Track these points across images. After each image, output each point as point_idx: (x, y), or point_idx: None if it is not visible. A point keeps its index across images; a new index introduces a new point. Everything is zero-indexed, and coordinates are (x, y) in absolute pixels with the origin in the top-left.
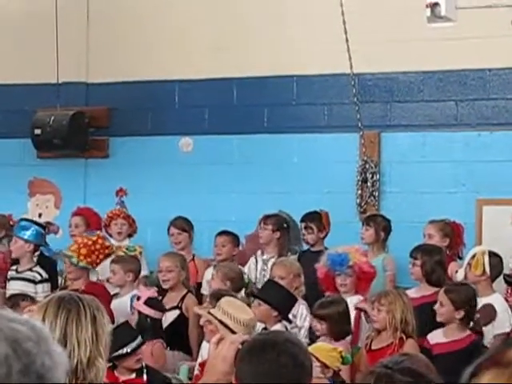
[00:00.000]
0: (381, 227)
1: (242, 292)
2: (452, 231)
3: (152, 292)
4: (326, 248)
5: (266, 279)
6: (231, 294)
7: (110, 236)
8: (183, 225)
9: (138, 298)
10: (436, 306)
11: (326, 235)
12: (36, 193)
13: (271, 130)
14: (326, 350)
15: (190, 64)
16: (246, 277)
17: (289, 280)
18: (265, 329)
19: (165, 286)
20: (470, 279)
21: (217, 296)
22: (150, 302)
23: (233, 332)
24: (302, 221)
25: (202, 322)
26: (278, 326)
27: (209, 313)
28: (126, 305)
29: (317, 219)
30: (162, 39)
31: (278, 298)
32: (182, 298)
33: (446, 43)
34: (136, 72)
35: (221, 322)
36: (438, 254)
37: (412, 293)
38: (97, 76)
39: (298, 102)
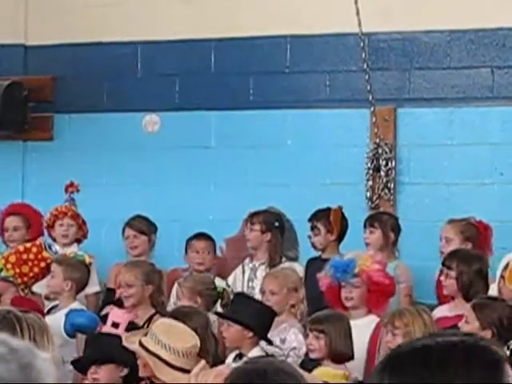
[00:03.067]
0: (388, 227)
1: (218, 306)
2: (476, 234)
3: (131, 315)
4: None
5: (255, 291)
6: (196, 311)
7: (54, 240)
8: (141, 226)
9: (115, 325)
10: (460, 323)
11: (339, 238)
12: None
13: (258, 104)
14: (330, 376)
15: (155, 21)
16: (219, 285)
17: (282, 296)
18: (240, 356)
19: (126, 304)
20: (505, 295)
21: (179, 314)
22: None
23: (171, 366)
24: (309, 220)
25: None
26: (255, 351)
27: (140, 343)
28: (59, 321)
29: (324, 217)
30: None
31: (250, 315)
32: (149, 319)
33: None
34: (87, 32)
35: (153, 354)
36: (478, 262)
37: (444, 311)
38: (37, 37)
39: (292, 69)
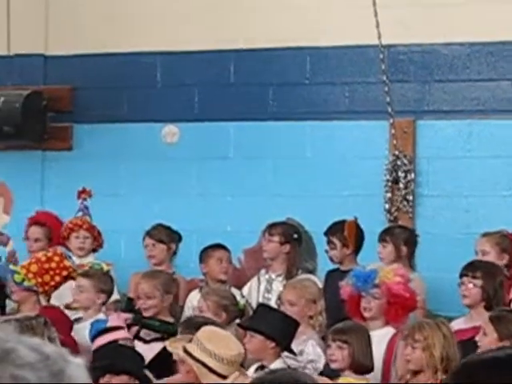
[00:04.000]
0: (401, 241)
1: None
2: (510, 245)
3: (122, 320)
4: None
5: (271, 303)
6: (212, 322)
7: (69, 251)
8: (160, 235)
9: (107, 330)
10: (478, 336)
11: (355, 250)
12: None
13: (278, 116)
14: None
15: (175, 32)
16: (240, 300)
17: (300, 307)
18: (261, 367)
19: (146, 315)
20: None
21: (191, 325)
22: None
23: (215, 373)
24: (324, 234)
25: (176, 357)
26: (278, 362)
27: (184, 350)
28: (85, 333)
29: (339, 231)
30: (140, 1)
31: (272, 325)
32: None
33: (500, 7)
34: (107, 42)
35: (198, 360)
36: (501, 273)
37: (460, 323)
38: (57, 47)
39: (311, 80)
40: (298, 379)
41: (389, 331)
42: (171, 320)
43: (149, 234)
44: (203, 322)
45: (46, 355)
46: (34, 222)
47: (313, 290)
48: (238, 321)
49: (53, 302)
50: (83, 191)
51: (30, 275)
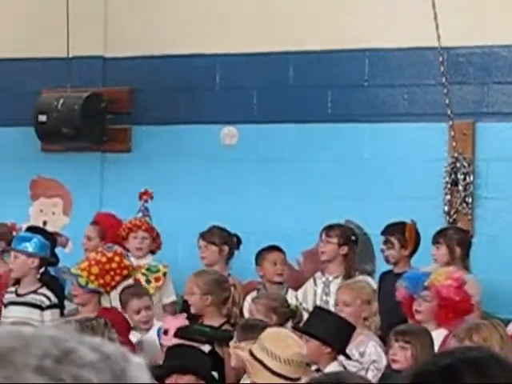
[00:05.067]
0: (454, 242)
1: (289, 324)
2: None
3: (181, 320)
4: None
5: (330, 305)
6: (265, 323)
7: (128, 251)
8: (213, 237)
9: (165, 332)
10: None
11: (411, 253)
12: (40, 195)
13: (336, 117)
14: None
15: (234, 34)
16: (292, 303)
17: (355, 307)
18: (317, 370)
19: (192, 312)
20: None
21: (246, 328)
22: (181, 333)
23: (276, 374)
24: (382, 233)
25: (234, 364)
26: (333, 366)
27: (250, 352)
28: (154, 341)
29: (399, 232)
30: (199, 3)
31: (328, 329)
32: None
33: None
34: (165, 44)
35: (259, 360)
36: None
37: None
38: (116, 49)
39: (370, 82)
40: (351, 380)
41: (441, 333)
42: (217, 323)
43: (202, 235)
44: (257, 324)
45: (107, 355)
46: (92, 221)
47: (368, 291)
48: (290, 323)
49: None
50: (145, 193)
51: (92, 277)
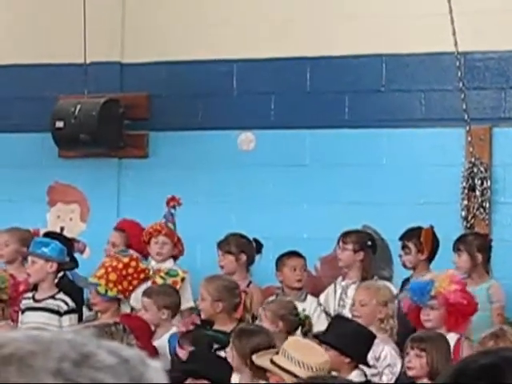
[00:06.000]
0: (474, 248)
1: (298, 332)
2: None
3: (190, 322)
4: None
5: (345, 310)
6: (259, 329)
7: (148, 256)
8: (229, 246)
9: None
10: None
11: (430, 257)
12: (57, 201)
13: (353, 123)
14: None
15: (251, 40)
16: (301, 312)
17: (371, 308)
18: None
19: (202, 317)
20: None
21: (241, 333)
22: (195, 340)
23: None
24: (400, 239)
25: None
26: (354, 374)
27: (272, 362)
28: (164, 348)
29: (415, 236)
30: (217, 8)
31: (347, 340)
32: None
33: None
34: (183, 50)
35: (287, 371)
36: None
37: None
38: (134, 55)
39: (387, 88)
40: None
41: (452, 337)
42: (228, 329)
43: (218, 244)
44: (251, 329)
45: (125, 359)
46: (116, 227)
47: (385, 293)
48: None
49: (132, 303)
50: (172, 199)
51: (111, 284)
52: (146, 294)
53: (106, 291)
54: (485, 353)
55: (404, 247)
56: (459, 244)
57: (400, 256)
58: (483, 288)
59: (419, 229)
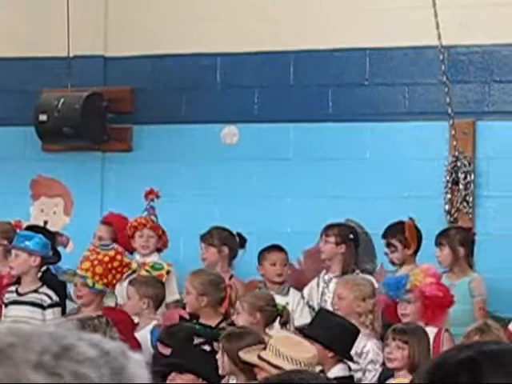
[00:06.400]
0: (456, 242)
1: (276, 323)
2: None
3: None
4: None
5: (327, 304)
6: (250, 331)
7: (133, 250)
8: (212, 239)
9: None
10: None
11: (416, 251)
12: (41, 195)
13: (337, 117)
14: None
15: (235, 33)
16: (279, 303)
17: (348, 302)
18: (322, 371)
19: (187, 311)
20: None
21: (228, 337)
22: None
23: None
24: (383, 237)
25: (222, 372)
26: (337, 368)
27: (259, 357)
28: (146, 340)
29: (399, 232)
30: (201, 2)
31: (331, 334)
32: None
33: None
34: (166, 43)
35: (275, 366)
36: None
37: None
38: (117, 48)
39: (371, 81)
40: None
41: (431, 331)
42: (213, 323)
43: (201, 237)
44: (240, 332)
45: (106, 351)
46: (103, 221)
47: (364, 288)
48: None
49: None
50: (150, 192)
51: (97, 277)
52: (130, 282)
53: (94, 284)
54: (463, 347)
55: (389, 245)
56: (441, 238)
57: (386, 254)
58: (465, 282)
59: (401, 223)
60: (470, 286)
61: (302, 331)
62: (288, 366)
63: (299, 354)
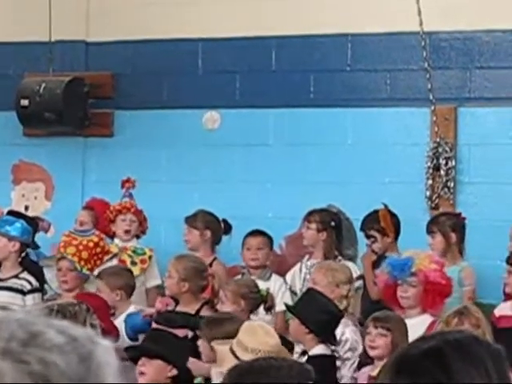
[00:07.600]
0: (447, 228)
1: (261, 309)
2: None
3: (164, 304)
4: None
5: None
6: (231, 317)
7: (112, 235)
8: (196, 221)
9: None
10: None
11: (396, 237)
12: (22, 180)
13: (318, 102)
14: None
15: (216, 18)
16: (262, 288)
17: (322, 287)
18: (304, 352)
19: (166, 294)
20: None
21: (210, 323)
22: (162, 320)
23: None
24: (360, 229)
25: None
26: (318, 348)
27: (231, 349)
28: (120, 329)
29: (375, 222)
30: None
31: (313, 314)
32: (195, 314)
33: None
34: (148, 29)
35: (233, 353)
36: None
37: (506, 309)
38: (99, 33)
39: (352, 67)
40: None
41: (426, 318)
42: (193, 310)
43: (186, 219)
44: (220, 317)
45: (74, 337)
46: (85, 206)
47: (338, 275)
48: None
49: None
50: (127, 180)
51: (82, 262)
52: (98, 275)
53: (82, 268)
54: (428, 337)
55: (368, 236)
56: (432, 226)
57: (368, 245)
58: (455, 270)
59: (374, 213)
60: (460, 275)
61: (288, 307)
62: (246, 356)
63: (258, 344)
